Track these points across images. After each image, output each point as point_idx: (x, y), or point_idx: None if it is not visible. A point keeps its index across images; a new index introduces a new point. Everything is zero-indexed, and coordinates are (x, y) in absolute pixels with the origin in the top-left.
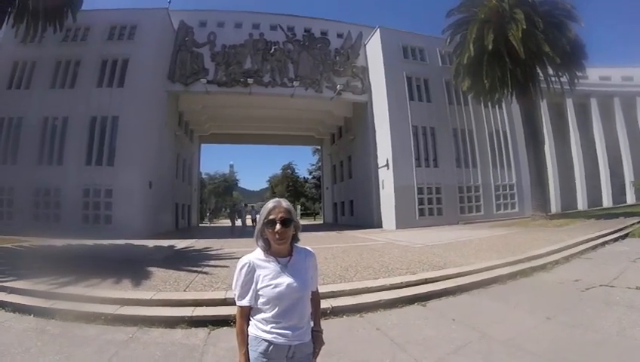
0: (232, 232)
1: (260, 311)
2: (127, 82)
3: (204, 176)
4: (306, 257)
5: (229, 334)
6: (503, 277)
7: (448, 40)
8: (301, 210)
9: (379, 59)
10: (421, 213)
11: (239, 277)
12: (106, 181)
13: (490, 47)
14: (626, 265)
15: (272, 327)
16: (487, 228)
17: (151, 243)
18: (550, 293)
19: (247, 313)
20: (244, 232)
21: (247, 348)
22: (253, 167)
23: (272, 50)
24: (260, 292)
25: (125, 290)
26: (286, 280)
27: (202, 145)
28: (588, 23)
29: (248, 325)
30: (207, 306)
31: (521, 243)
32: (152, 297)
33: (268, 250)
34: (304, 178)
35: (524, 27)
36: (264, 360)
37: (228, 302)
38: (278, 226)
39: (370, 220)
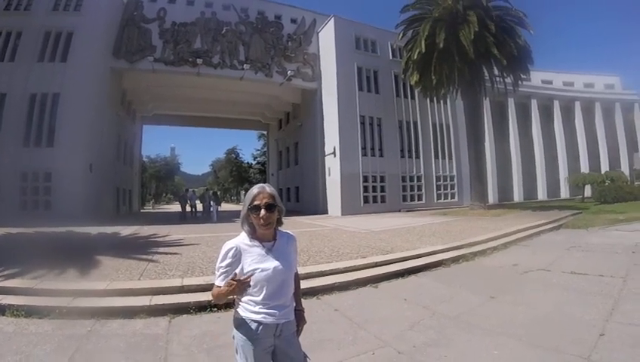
0: (184, 217)
1: (247, 293)
2: (71, 57)
3: (144, 160)
4: (289, 240)
5: (190, 321)
6: (447, 261)
7: (401, 35)
8: (245, 195)
9: (331, 47)
10: (366, 200)
11: (224, 259)
12: (45, 163)
13: (441, 45)
14: (560, 252)
15: (260, 308)
16: (428, 216)
17: (94, 230)
18: (492, 276)
19: None
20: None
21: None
22: (196, 151)
23: (224, 30)
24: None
25: (77, 281)
26: (272, 263)
27: (144, 126)
28: (537, 29)
29: None
30: (164, 294)
31: (461, 230)
32: (107, 287)
33: (253, 234)
34: (248, 163)
35: (476, 29)
36: (254, 340)
37: (185, 290)
38: (262, 211)
39: (316, 206)
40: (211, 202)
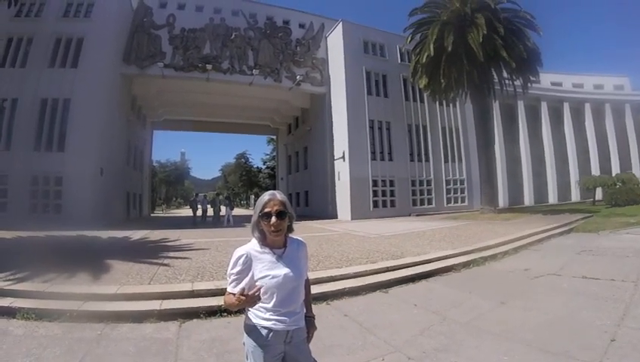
0: (194, 222)
1: None
2: (81, 63)
3: (155, 164)
4: (299, 247)
5: (200, 326)
6: (458, 266)
7: (409, 38)
8: (255, 199)
9: (340, 52)
10: (375, 204)
11: (235, 266)
12: (55, 168)
13: (449, 48)
14: (571, 256)
15: (270, 315)
16: (438, 220)
17: (104, 234)
18: (502, 281)
19: None
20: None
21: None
22: (205, 156)
23: (233, 36)
24: (257, 283)
25: (88, 285)
26: (283, 270)
27: (154, 131)
28: (546, 31)
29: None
30: (174, 299)
31: (472, 234)
32: (117, 291)
33: (263, 240)
34: (258, 168)
35: (485, 32)
36: (264, 346)
37: (195, 294)
38: (273, 219)
39: (326, 211)
40: (226, 207)
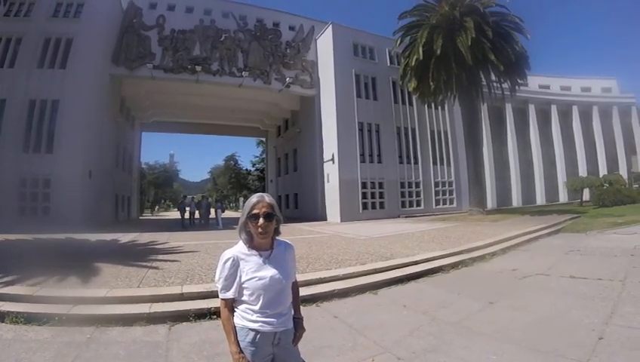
0: (182, 225)
1: (245, 302)
2: (70, 63)
3: (143, 166)
4: (286, 249)
5: (190, 329)
6: (447, 267)
7: (398, 41)
8: (244, 202)
9: (329, 54)
10: (364, 206)
11: (223, 270)
12: (44, 170)
13: (438, 51)
14: (559, 256)
15: (257, 317)
16: (427, 222)
17: (93, 236)
18: (491, 281)
19: (231, 304)
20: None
21: (236, 336)
22: (194, 158)
23: (223, 37)
24: (244, 285)
25: (76, 288)
26: (269, 272)
27: (142, 133)
28: (534, 34)
29: (233, 315)
30: (164, 302)
31: (460, 236)
32: (106, 294)
33: (250, 242)
34: (247, 170)
35: (474, 36)
36: (252, 348)
37: (185, 297)
38: (261, 220)
39: (315, 213)
40: (217, 209)
